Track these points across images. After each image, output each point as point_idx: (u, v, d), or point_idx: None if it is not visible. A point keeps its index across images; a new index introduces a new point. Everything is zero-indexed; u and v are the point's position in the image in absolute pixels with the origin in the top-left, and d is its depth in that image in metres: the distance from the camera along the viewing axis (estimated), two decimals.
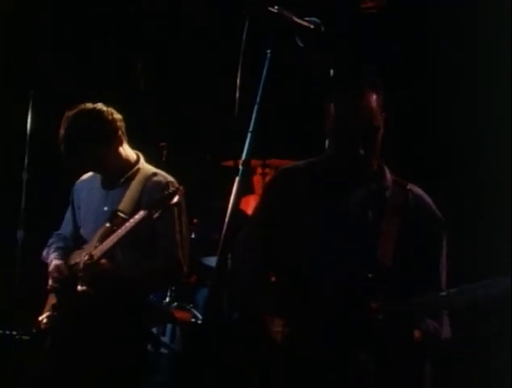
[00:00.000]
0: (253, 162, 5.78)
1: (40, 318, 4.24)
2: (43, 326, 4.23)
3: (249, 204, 5.92)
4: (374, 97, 2.96)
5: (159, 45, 6.24)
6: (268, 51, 2.58)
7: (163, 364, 5.03)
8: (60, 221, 4.57)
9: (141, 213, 3.93)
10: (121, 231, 4.00)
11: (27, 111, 5.25)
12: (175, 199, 3.96)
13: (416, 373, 3.00)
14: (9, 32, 5.88)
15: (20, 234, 5.20)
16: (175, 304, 5.32)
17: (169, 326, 5.17)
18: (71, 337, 4.16)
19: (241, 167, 2.55)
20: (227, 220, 2.53)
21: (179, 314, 5.27)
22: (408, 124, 5.06)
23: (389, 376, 2.86)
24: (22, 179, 5.21)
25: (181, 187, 4.01)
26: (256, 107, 2.54)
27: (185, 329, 5.21)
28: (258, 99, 2.54)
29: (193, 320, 5.29)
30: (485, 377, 4.78)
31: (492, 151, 4.96)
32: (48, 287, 4.27)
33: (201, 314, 5.32)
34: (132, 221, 3.97)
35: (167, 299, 5.27)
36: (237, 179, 2.53)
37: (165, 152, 5.29)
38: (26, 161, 5.19)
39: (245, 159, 2.55)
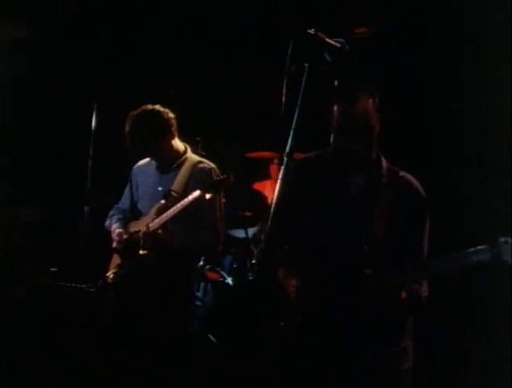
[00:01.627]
0: (270, 153, 6.03)
1: (107, 275, 4.45)
2: (109, 281, 4.43)
3: (266, 187, 6.16)
4: (370, 101, 2.96)
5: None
6: (306, 64, 2.81)
7: (198, 313, 5.13)
8: (115, 201, 4.78)
9: (197, 193, 4.11)
10: (177, 207, 4.19)
11: (93, 109, 5.40)
12: (225, 183, 4.19)
13: (401, 327, 3.06)
14: (75, 38, 6.01)
15: (86, 209, 5.39)
16: (207, 266, 5.39)
17: (202, 284, 5.31)
18: (133, 290, 4.40)
19: (285, 158, 2.75)
20: (275, 201, 2.70)
21: (210, 275, 5.39)
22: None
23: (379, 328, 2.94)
24: (87, 166, 5.42)
25: (231, 175, 4.18)
26: (297, 109, 2.76)
27: (215, 286, 5.35)
28: (299, 103, 2.75)
29: (220, 279, 5.42)
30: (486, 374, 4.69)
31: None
32: (113, 249, 4.48)
33: (227, 275, 5.49)
34: (187, 199, 4.16)
35: (201, 262, 5.30)
36: (282, 167, 2.72)
37: (200, 145, 5.36)
38: (91, 151, 5.36)
39: (288, 152, 2.76)
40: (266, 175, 6.22)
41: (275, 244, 3.05)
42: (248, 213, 5.65)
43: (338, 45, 2.96)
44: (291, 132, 2.78)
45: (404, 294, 2.90)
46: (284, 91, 2.82)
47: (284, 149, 2.78)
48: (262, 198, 5.88)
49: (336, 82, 3.04)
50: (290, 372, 3.01)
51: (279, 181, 2.74)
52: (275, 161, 6.02)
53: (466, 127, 4.92)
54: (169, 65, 6.06)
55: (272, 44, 4.74)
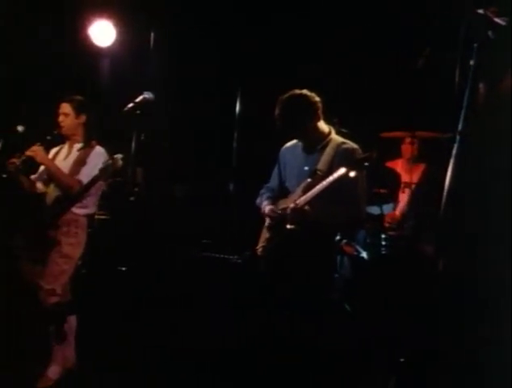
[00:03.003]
0: (403, 133, 5.77)
1: (257, 248, 4.37)
2: (259, 254, 4.36)
3: (397, 166, 5.95)
4: None
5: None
6: (475, 44, 2.57)
7: (336, 285, 4.94)
8: (259, 180, 4.70)
9: (341, 171, 3.96)
10: (322, 185, 4.04)
11: (237, 96, 5.33)
12: (368, 161, 4.01)
13: None
14: (219, 26, 5.92)
15: (231, 186, 5.33)
16: (344, 241, 5.18)
17: (338, 257, 5.07)
18: (280, 262, 4.27)
19: (458, 137, 2.52)
20: (449, 181, 2.48)
21: (347, 249, 5.21)
22: None
23: None
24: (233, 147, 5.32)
25: (373, 152, 4.01)
26: (467, 90, 2.52)
27: (350, 259, 5.16)
28: (469, 83, 2.52)
29: (355, 253, 5.24)
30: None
31: None
32: (266, 225, 4.39)
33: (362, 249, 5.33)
34: (332, 177, 4.00)
35: (338, 237, 5.02)
36: (455, 145, 2.50)
37: (337, 126, 5.20)
38: (235, 135, 5.30)
39: (461, 130, 2.52)
40: (397, 154, 5.96)
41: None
42: (383, 190, 5.41)
43: (504, 23, 2.67)
44: (463, 111, 2.53)
45: None
46: (457, 72, 2.51)
47: (455, 129, 2.54)
48: (395, 176, 5.64)
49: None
50: None
51: (452, 160, 2.50)
52: (407, 140, 5.80)
53: None
54: (308, 52, 5.84)
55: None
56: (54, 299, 4.52)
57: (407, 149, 5.79)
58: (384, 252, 5.33)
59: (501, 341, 2.52)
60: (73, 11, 5.71)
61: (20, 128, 4.59)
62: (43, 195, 4.75)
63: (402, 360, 2.94)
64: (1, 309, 4.87)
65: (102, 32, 5.84)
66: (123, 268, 4.91)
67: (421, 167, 5.80)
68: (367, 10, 5.63)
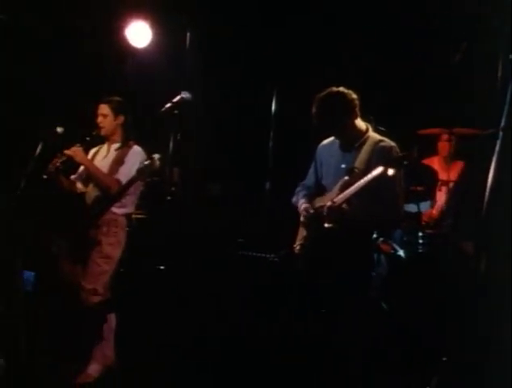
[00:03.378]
0: (440, 130, 5.72)
1: (294, 246, 4.35)
2: (296, 252, 4.33)
3: (434, 163, 5.91)
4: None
5: None
6: None
7: (373, 283, 4.96)
8: (295, 178, 4.68)
9: (379, 169, 3.92)
10: (360, 183, 4.01)
11: (272, 96, 5.35)
12: (407, 160, 3.97)
13: None
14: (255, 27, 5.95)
15: (267, 184, 5.34)
16: (381, 239, 5.10)
17: (375, 255, 4.96)
18: (317, 260, 4.25)
19: (500, 133, 2.48)
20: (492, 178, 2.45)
21: (384, 246, 5.14)
22: None
23: None
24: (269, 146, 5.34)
25: (414, 151, 3.97)
26: (510, 87, 2.48)
27: (387, 257, 5.07)
28: None
29: (392, 251, 5.20)
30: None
31: None
32: (301, 222, 4.36)
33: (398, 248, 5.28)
34: (370, 175, 3.97)
35: (374, 235, 4.91)
36: (498, 142, 2.46)
37: (373, 123, 5.18)
38: (271, 134, 5.30)
39: (504, 126, 2.48)
40: (433, 152, 5.93)
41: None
42: (420, 188, 5.37)
43: None
44: (505, 107, 2.49)
45: None
46: (500, 66, 2.49)
47: (499, 125, 2.50)
48: (432, 173, 5.60)
49: None
50: None
51: (494, 157, 2.45)
52: (444, 137, 5.76)
53: None
54: (345, 49, 5.83)
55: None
56: (96, 299, 4.60)
57: (444, 146, 5.75)
58: (420, 250, 5.29)
59: None
60: (110, 13, 5.78)
61: (59, 130, 4.67)
62: (82, 195, 4.83)
63: (444, 359, 2.91)
64: (44, 308, 4.95)
65: (139, 33, 5.90)
66: (161, 267, 4.95)
67: (459, 165, 5.76)
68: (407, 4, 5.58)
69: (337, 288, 4.19)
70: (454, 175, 5.61)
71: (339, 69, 5.62)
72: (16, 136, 5.39)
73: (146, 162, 4.54)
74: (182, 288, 4.79)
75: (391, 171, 3.92)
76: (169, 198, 4.62)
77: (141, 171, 4.55)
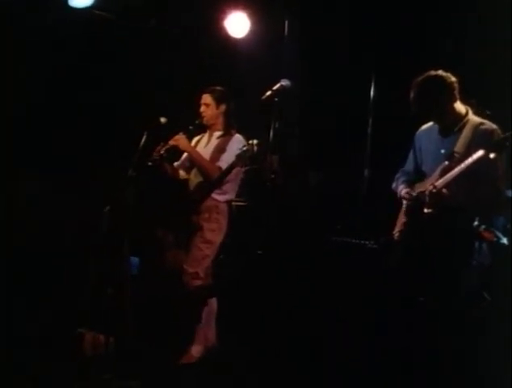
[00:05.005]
0: None
1: (394, 232, 4.37)
2: (396, 238, 4.35)
3: None
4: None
5: None
6: None
7: (473, 272, 4.77)
8: (394, 165, 4.67)
9: (480, 153, 3.88)
10: (461, 167, 3.99)
11: (371, 82, 5.36)
12: (509, 142, 3.89)
13: None
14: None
15: (366, 172, 5.37)
16: (482, 226, 4.86)
17: (476, 243, 4.87)
18: (417, 247, 4.27)
19: None
20: None
21: (486, 234, 4.90)
22: None
23: None
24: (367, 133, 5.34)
25: None
26: None
27: (490, 245, 4.90)
28: None
29: (495, 239, 5.00)
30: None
31: None
32: (403, 208, 4.36)
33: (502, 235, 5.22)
34: (470, 159, 3.93)
35: (476, 222, 4.79)
36: None
37: (474, 107, 5.06)
38: (370, 120, 5.32)
39: None
40: None
41: None
42: None
43: None
44: None
45: None
46: None
47: None
48: None
49: None
50: None
51: None
52: None
53: None
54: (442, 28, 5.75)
55: None
56: (197, 282, 4.80)
57: None
58: None
59: None
60: (209, 4, 5.96)
61: (163, 120, 4.89)
62: (185, 181, 5.04)
63: None
64: (149, 292, 5.19)
65: (238, 24, 6.07)
66: (261, 253, 5.09)
67: None
68: None
69: (436, 276, 4.18)
70: None
71: (439, 51, 5.55)
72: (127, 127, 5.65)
73: (244, 148, 4.69)
74: (282, 274, 4.91)
75: (492, 155, 3.87)
76: (268, 185, 4.73)
77: (240, 157, 4.70)
